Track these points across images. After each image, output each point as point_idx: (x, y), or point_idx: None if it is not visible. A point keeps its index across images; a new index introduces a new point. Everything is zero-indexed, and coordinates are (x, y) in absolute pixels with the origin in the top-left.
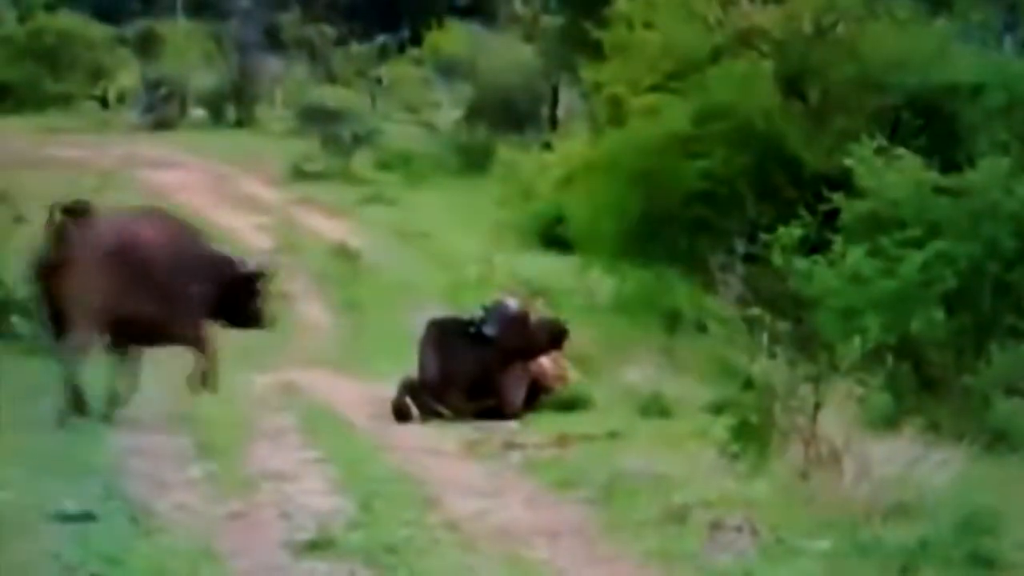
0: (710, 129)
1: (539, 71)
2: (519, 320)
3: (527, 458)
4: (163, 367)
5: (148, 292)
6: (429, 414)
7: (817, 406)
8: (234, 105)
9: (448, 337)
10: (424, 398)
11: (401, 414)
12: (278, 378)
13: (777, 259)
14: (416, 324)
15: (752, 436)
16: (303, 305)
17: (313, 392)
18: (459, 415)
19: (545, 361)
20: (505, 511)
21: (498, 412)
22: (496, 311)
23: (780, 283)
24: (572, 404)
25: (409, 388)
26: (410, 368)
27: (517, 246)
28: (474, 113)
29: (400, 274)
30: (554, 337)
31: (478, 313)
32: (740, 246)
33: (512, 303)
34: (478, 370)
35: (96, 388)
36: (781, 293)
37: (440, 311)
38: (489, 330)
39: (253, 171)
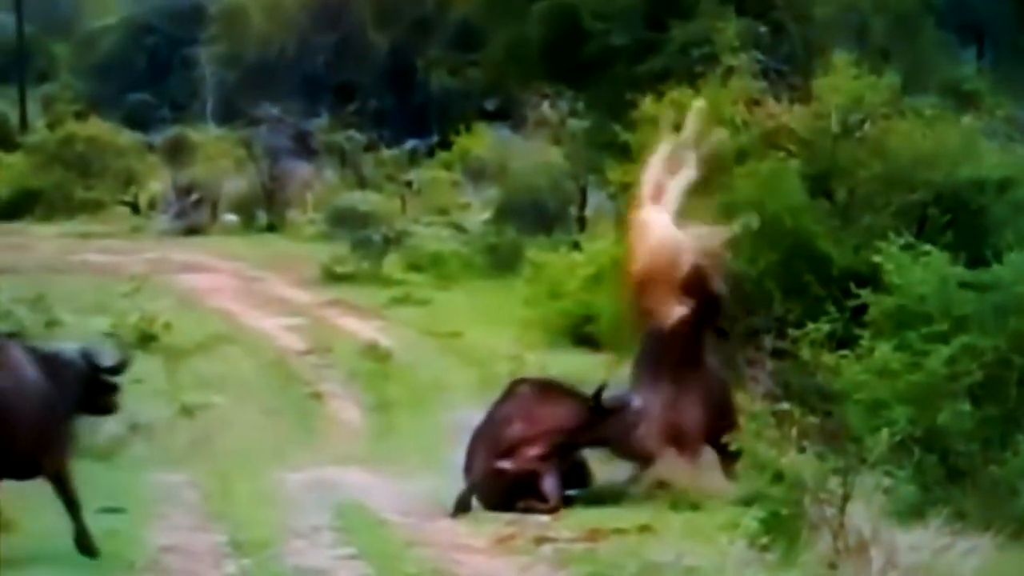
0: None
1: (567, 173)
2: (632, 417)
3: (559, 552)
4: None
5: None
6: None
7: (845, 497)
8: (265, 210)
9: (546, 397)
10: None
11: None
12: (311, 476)
13: (806, 354)
14: (447, 421)
15: (782, 528)
16: (335, 403)
17: (345, 489)
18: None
19: None
20: None
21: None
22: (622, 395)
23: (808, 378)
24: (603, 498)
25: None
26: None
27: (546, 344)
28: (503, 214)
29: (430, 373)
30: (645, 455)
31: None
32: (768, 342)
33: (638, 401)
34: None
35: None
36: (809, 387)
37: (471, 408)
38: (608, 401)
39: (284, 274)
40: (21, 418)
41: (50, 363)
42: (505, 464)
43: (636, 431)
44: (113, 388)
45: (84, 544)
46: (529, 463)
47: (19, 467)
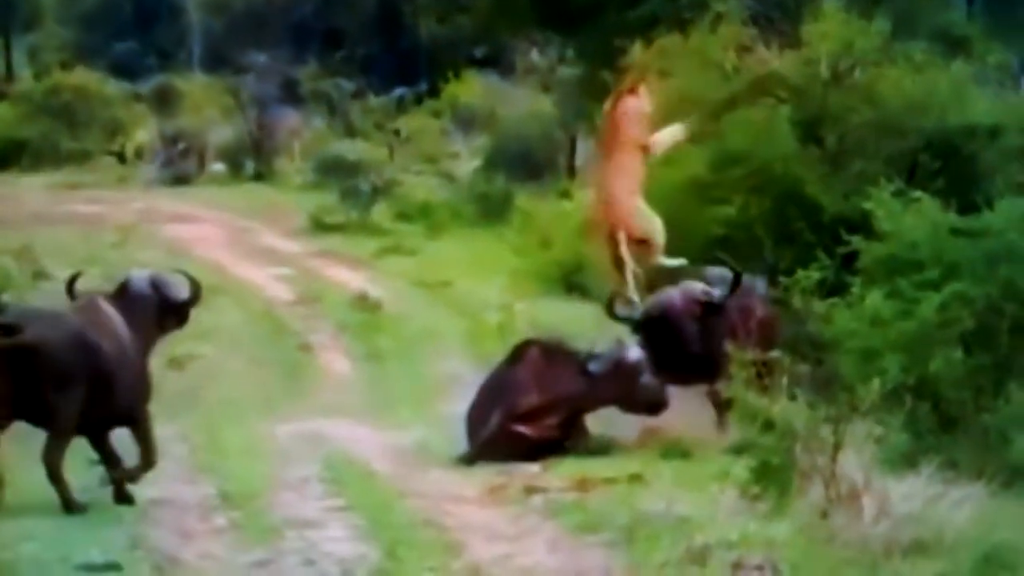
0: (728, 175)
1: (556, 121)
2: (631, 371)
3: (549, 502)
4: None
5: None
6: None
7: (837, 446)
8: (252, 159)
9: (554, 363)
10: (513, 424)
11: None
12: (300, 427)
13: (796, 302)
14: (438, 372)
15: (773, 477)
16: (324, 355)
17: (335, 441)
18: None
19: None
20: (528, 555)
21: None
22: (610, 353)
23: (799, 326)
24: (593, 448)
25: None
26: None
27: (537, 293)
28: (492, 163)
29: (421, 323)
30: (651, 404)
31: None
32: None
33: (633, 352)
34: (577, 403)
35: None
36: (800, 336)
37: (461, 358)
38: (594, 367)
39: (273, 224)
40: (123, 374)
41: (124, 300)
42: (526, 430)
43: (639, 382)
44: (185, 317)
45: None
46: (549, 431)
47: (119, 419)
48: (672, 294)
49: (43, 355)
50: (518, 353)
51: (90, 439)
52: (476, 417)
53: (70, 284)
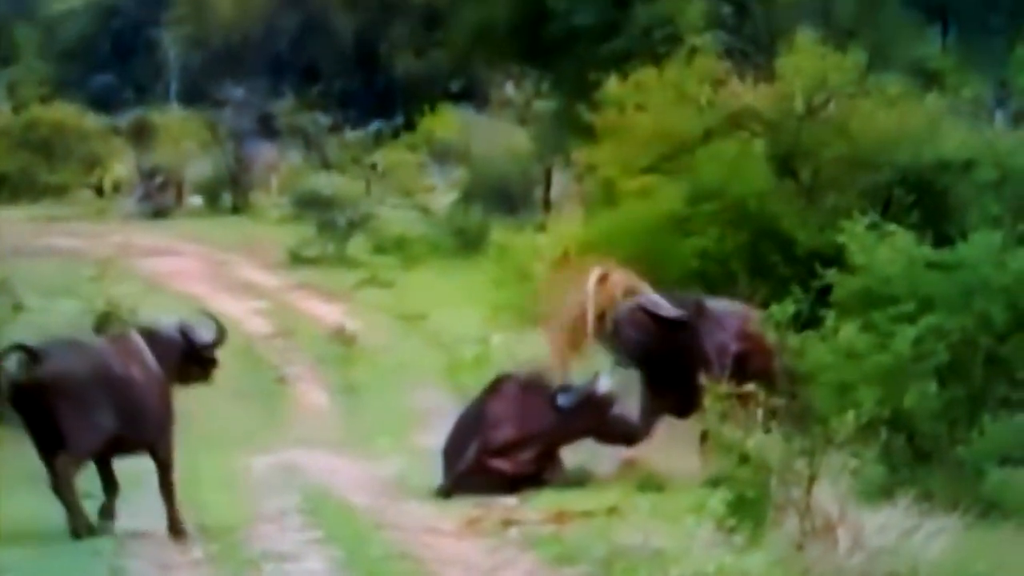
0: (703, 209)
1: (532, 154)
2: (601, 403)
3: (526, 534)
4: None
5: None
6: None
7: (812, 479)
8: (230, 192)
9: (531, 397)
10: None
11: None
12: (278, 459)
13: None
14: (415, 404)
15: (748, 509)
16: (302, 387)
17: (313, 472)
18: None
19: None
20: None
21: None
22: (580, 387)
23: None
24: (570, 480)
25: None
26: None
27: (513, 326)
28: (468, 196)
29: (397, 355)
30: (625, 436)
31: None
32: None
33: (604, 384)
34: (551, 437)
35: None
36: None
37: (438, 391)
38: (563, 401)
39: (250, 257)
40: (151, 404)
41: (152, 340)
42: (502, 464)
43: (611, 414)
44: (211, 361)
45: (175, 528)
46: (525, 466)
47: (142, 447)
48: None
49: (59, 387)
50: (495, 387)
51: (98, 464)
52: (452, 450)
53: (102, 319)
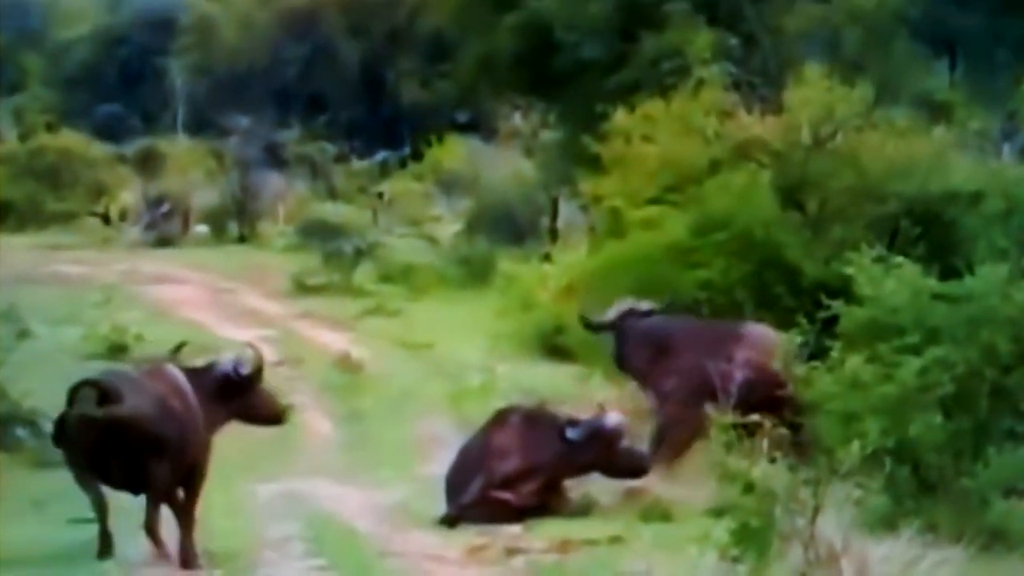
0: (709, 239)
1: (539, 184)
2: (611, 437)
3: (530, 563)
4: None
5: None
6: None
7: (816, 509)
8: (236, 221)
9: (535, 430)
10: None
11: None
12: (282, 487)
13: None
14: (420, 433)
15: (753, 539)
16: (307, 415)
17: (317, 500)
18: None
19: None
20: None
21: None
22: (589, 421)
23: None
24: (574, 509)
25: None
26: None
27: (518, 355)
28: (475, 226)
29: (402, 384)
30: (633, 469)
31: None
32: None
33: (613, 419)
34: (557, 469)
35: None
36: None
37: (443, 420)
38: (572, 435)
39: (256, 286)
40: (192, 440)
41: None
42: (506, 496)
43: (619, 447)
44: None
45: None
46: (529, 498)
47: (180, 482)
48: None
49: (140, 426)
50: (500, 418)
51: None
52: (456, 481)
53: (176, 349)
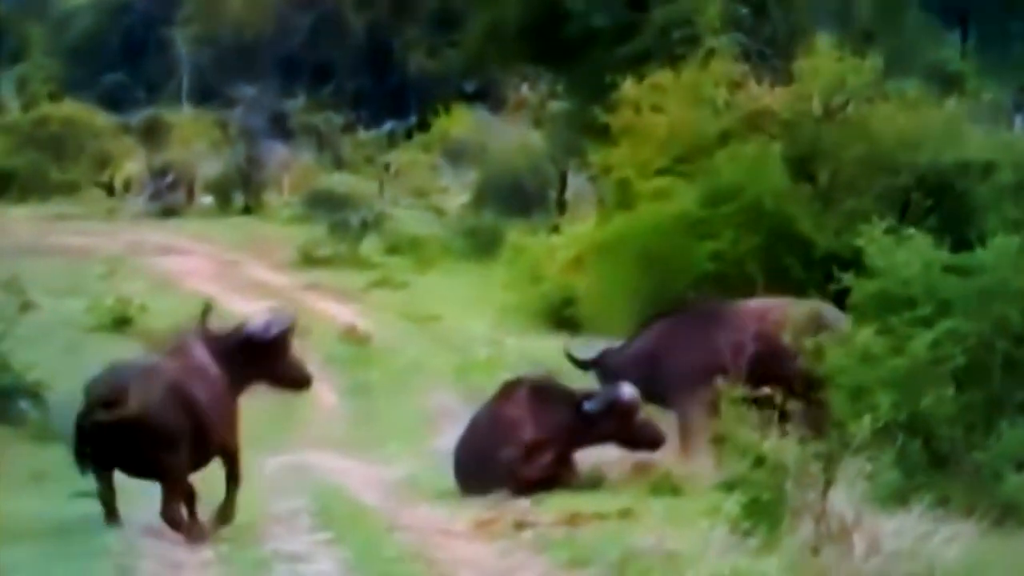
0: (719, 211)
1: (547, 155)
2: (627, 409)
3: (539, 536)
4: None
5: None
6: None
7: (828, 483)
8: (241, 192)
9: (545, 401)
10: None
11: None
12: (290, 460)
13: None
14: (427, 405)
15: (764, 513)
16: (313, 388)
17: (324, 474)
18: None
19: None
20: None
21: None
22: (605, 393)
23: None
24: (583, 483)
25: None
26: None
27: (526, 328)
28: (482, 197)
29: (410, 356)
30: (650, 441)
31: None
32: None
33: (628, 391)
34: (572, 440)
35: None
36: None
37: (450, 392)
38: (590, 407)
39: (261, 257)
40: (216, 417)
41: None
42: (522, 469)
43: (635, 420)
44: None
45: (226, 515)
46: (543, 469)
47: (211, 457)
48: None
49: (146, 423)
50: (507, 392)
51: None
52: (465, 456)
53: (203, 315)
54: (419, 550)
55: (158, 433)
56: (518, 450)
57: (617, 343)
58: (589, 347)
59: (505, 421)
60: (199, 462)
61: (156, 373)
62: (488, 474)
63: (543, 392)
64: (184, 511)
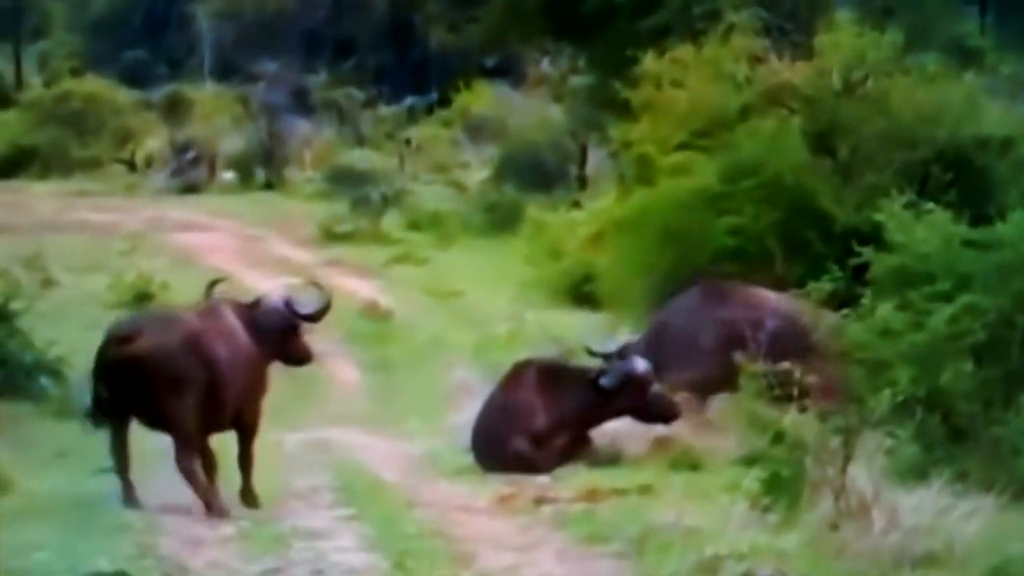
0: (739, 186)
1: (567, 130)
2: (642, 383)
3: (558, 512)
4: None
5: None
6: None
7: (847, 458)
8: (263, 168)
9: (556, 382)
10: (522, 447)
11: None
12: (310, 436)
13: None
14: (447, 381)
15: (783, 488)
16: (334, 364)
17: (345, 450)
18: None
19: None
20: (537, 566)
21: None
22: (620, 367)
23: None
24: (602, 459)
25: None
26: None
27: (546, 303)
28: (503, 173)
29: (430, 332)
30: (665, 414)
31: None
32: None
33: (642, 364)
34: (587, 418)
35: None
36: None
37: (471, 368)
38: (606, 382)
39: (283, 233)
40: (236, 381)
41: (252, 315)
42: (537, 453)
43: (650, 393)
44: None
45: (250, 500)
46: (560, 454)
47: (226, 423)
48: None
49: (155, 362)
50: (516, 375)
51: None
52: (480, 441)
53: (209, 288)
54: (439, 526)
55: (166, 375)
56: (530, 438)
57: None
58: (608, 340)
59: (516, 407)
60: (212, 423)
61: (177, 322)
62: (503, 460)
63: (553, 374)
64: (200, 470)
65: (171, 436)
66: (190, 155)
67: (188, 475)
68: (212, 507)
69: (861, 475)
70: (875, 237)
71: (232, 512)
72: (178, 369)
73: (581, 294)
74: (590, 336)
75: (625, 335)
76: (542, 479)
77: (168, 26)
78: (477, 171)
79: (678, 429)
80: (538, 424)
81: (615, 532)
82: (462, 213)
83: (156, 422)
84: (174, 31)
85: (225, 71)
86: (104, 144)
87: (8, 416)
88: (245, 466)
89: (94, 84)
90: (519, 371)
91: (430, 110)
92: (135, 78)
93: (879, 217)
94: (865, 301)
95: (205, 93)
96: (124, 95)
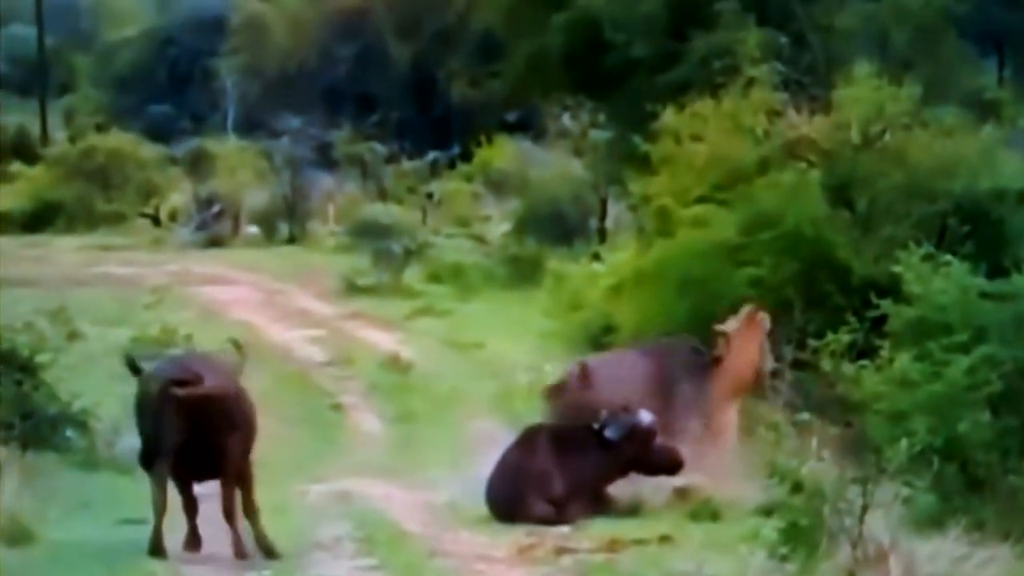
0: (758, 238)
1: (588, 184)
2: (647, 434)
3: (579, 563)
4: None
5: None
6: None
7: (865, 508)
8: (286, 222)
9: (568, 446)
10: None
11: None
12: (333, 487)
13: (826, 364)
14: (469, 432)
15: (801, 538)
16: (356, 414)
17: (367, 500)
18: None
19: None
20: None
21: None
22: (625, 418)
23: (828, 388)
24: (623, 509)
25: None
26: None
27: (567, 354)
28: (524, 226)
29: (452, 384)
30: (670, 465)
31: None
32: (788, 352)
33: (646, 416)
34: (600, 477)
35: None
36: (829, 398)
37: (492, 419)
38: (611, 434)
39: (306, 286)
40: (242, 427)
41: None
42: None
43: (654, 444)
44: None
45: (269, 550)
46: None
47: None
48: None
49: (223, 402)
50: (529, 440)
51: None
52: (498, 501)
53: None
54: None
55: (234, 415)
56: (551, 503)
57: None
58: None
59: (533, 474)
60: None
61: (226, 367)
62: (525, 521)
63: (564, 437)
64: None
65: (222, 477)
66: (214, 209)
67: (229, 516)
68: (240, 552)
69: (878, 524)
70: (893, 289)
71: (251, 563)
72: (242, 410)
73: (601, 345)
74: None
75: None
76: (563, 529)
77: (192, 82)
78: (498, 224)
79: (697, 479)
80: (558, 491)
81: None
82: (484, 266)
83: (205, 464)
84: (198, 87)
85: (249, 126)
86: (129, 199)
87: (33, 467)
88: (255, 519)
89: (119, 139)
90: (531, 437)
91: (452, 164)
92: (159, 133)
93: (897, 269)
94: (883, 352)
95: (229, 148)
96: (148, 150)
